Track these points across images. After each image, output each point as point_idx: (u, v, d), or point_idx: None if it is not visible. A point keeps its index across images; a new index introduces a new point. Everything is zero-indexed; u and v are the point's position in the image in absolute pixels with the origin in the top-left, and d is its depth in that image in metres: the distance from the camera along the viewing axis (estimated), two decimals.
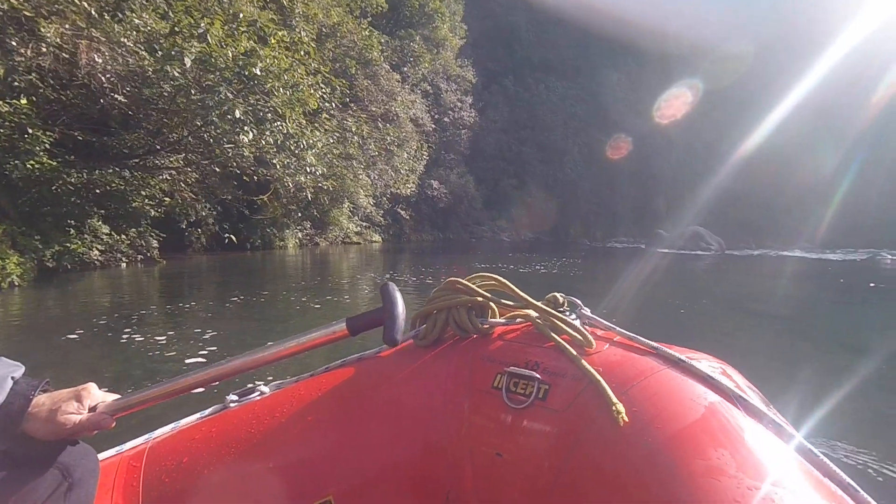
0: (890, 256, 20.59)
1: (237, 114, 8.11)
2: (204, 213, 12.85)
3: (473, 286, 1.01)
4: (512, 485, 0.80)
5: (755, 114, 37.56)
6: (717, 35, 43.97)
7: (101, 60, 7.50)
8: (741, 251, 25.00)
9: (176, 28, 7.68)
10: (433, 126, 31.39)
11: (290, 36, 10.52)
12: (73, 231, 8.71)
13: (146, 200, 10.05)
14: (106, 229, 9.46)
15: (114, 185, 9.34)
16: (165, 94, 8.45)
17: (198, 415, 0.99)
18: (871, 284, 10.38)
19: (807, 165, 37.89)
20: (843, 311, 7.02)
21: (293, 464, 0.86)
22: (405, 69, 27.94)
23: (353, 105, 19.03)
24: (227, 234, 13.83)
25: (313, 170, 11.53)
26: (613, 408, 0.70)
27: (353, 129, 16.77)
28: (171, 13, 7.84)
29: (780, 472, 0.58)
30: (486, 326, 1.00)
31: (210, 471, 0.84)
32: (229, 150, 9.57)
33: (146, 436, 0.95)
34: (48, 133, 7.77)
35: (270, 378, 1.16)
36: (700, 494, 0.56)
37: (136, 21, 7.98)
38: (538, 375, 0.84)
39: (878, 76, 39.02)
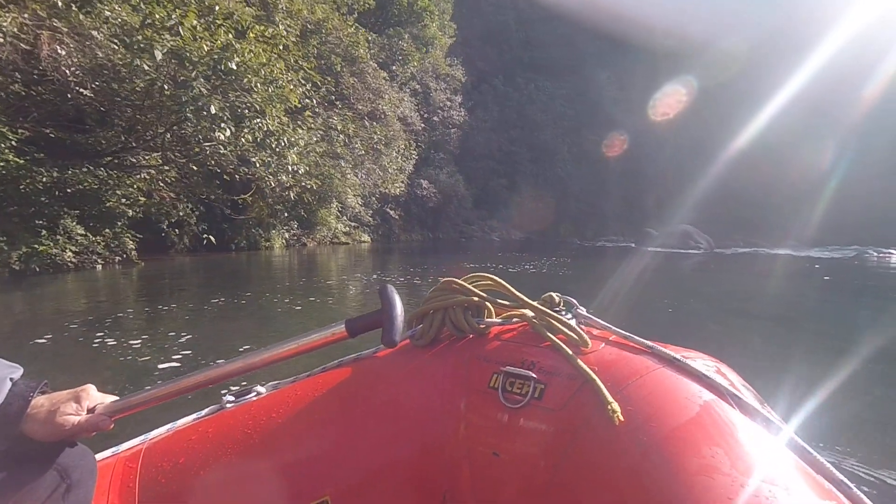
0: (876, 254, 20.82)
1: (213, 109, 7.82)
2: (182, 214, 12.45)
3: (470, 286, 1.02)
4: (509, 484, 0.80)
5: (744, 112, 37.81)
6: (710, 32, 44.14)
7: (64, 52, 7.17)
8: (730, 249, 25.06)
9: (147, 20, 7.38)
10: (422, 125, 31.19)
11: (269, 30, 10.22)
12: (44, 232, 8.34)
13: (122, 200, 9.70)
14: (80, 230, 9.10)
15: (87, 183, 8.99)
16: (138, 89, 8.13)
17: (194, 415, 0.99)
18: (856, 282, 10.39)
19: (796, 164, 38.14)
20: (831, 309, 7.02)
21: (290, 464, 0.85)
22: (393, 67, 27.73)
23: (339, 103, 18.76)
24: (205, 235, 13.41)
25: (295, 168, 11.22)
26: (609, 407, 0.71)
27: (339, 128, 16.50)
28: (142, 4, 7.53)
29: (773, 470, 0.58)
30: (482, 326, 1.00)
31: (206, 471, 0.84)
32: (207, 148, 9.26)
33: (143, 436, 0.94)
34: (15, 130, 7.44)
35: (267, 378, 1.13)
36: (695, 492, 0.56)
37: (107, 13, 7.67)
38: (534, 375, 0.84)
39: (868, 73, 39.46)
